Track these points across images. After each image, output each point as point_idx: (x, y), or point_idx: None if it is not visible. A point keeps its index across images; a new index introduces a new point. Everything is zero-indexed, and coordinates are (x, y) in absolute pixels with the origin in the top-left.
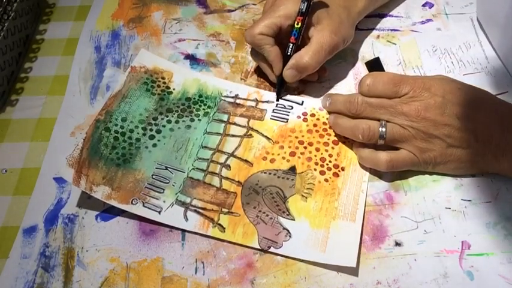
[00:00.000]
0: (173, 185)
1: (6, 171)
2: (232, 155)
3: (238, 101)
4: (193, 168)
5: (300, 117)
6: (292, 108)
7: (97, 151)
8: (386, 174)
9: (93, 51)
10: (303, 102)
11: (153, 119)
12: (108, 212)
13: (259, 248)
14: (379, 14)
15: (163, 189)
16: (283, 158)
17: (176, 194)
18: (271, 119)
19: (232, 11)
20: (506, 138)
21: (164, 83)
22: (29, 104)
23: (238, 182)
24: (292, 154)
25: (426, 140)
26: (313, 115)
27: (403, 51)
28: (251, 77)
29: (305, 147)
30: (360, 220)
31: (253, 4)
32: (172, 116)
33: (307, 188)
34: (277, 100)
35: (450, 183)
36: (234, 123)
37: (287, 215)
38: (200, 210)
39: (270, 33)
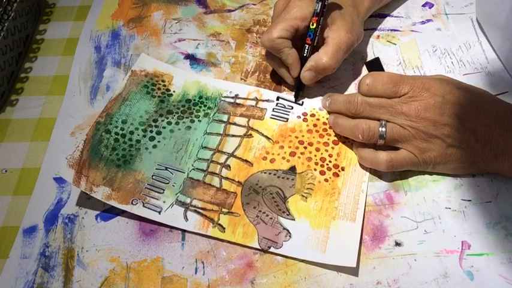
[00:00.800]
0: (173, 185)
1: (6, 171)
2: (232, 155)
3: (238, 100)
4: (193, 169)
5: (300, 117)
6: (292, 108)
7: (97, 152)
8: (386, 174)
9: (93, 51)
10: (303, 102)
11: (153, 121)
12: (108, 212)
13: (259, 248)
14: (379, 14)
15: (163, 190)
16: (283, 158)
17: (176, 194)
18: (271, 118)
19: (232, 11)
20: (506, 138)
21: (164, 85)
22: (29, 104)
23: (238, 182)
24: (292, 154)
25: (426, 140)
26: (313, 115)
27: (403, 51)
28: (251, 77)
29: (305, 147)
30: (360, 220)
31: (253, 4)
32: (173, 118)
33: (307, 188)
34: (296, 102)
35: (450, 183)
36: (234, 124)
37: (287, 215)
38: (200, 210)
39: (288, 36)
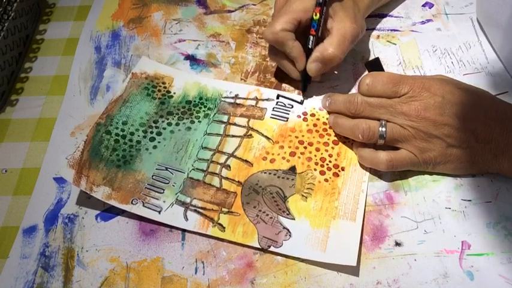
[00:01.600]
0: (173, 185)
1: (6, 171)
2: (232, 155)
3: (238, 100)
4: (193, 169)
5: (300, 117)
6: (292, 107)
7: (98, 153)
8: (386, 174)
9: (93, 52)
10: (303, 101)
11: (154, 122)
12: (108, 212)
13: (259, 247)
14: (379, 14)
15: (163, 190)
16: (283, 158)
17: (176, 194)
18: (271, 117)
19: (232, 11)
20: (506, 138)
21: (165, 87)
22: (29, 104)
23: (238, 182)
24: (292, 154)
25: (426, 140)
26: (313, 115)
27: (403, 51)
28: (251, 77)
29: (305, 147)
30: (360, 220)
31: (253, 4)
32: (173, 119)
33: (307, 188)
34: (303, 95)
35: (450, 183)
36: (234, 124)
37: (287, 214)
38: (200, 210)
39: (292, 28)
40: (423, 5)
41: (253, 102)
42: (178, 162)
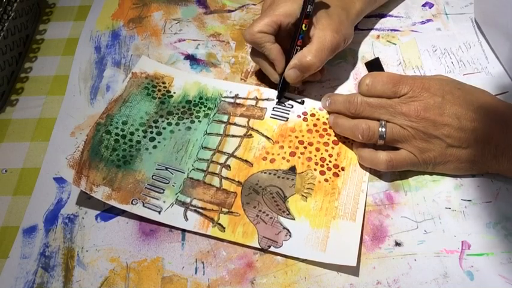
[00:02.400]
0: (173, 185)
1: (6, 171)
2: (232, 155)
3: (238, 100)
4: (193, 169)
5: (300, 117)
6: (292, 106)
7: (97, 153)
8: (386, 174)
9: (93, 52)
10: (303, 101)
11: (154, 122)
12: (108, 212)
13: (259, 247)
14: (379, 14)
15: (163, 190)
16: (283, 158)
17: (176, 194)
18: (271, 117)
19: (232, 11)
20: (506, 138)
21: (165, 87)
22: (29, 104)
23: (238, 182)
24: (292, 154)
25: (426, 140)
26: (313, 115)
27: (403, 51)
28: (251, 77)
29: (305, 147)
30: (360, 220)
31: (253, 4)
32: (173, 119)
33: (307, 188)
34: (279, 99)
35: (450, 183)
36: (234, 124)
37: (287, 214)
38: (200, 210)
39: (270, 31)
40: (423, 5)
41: (253, 102)
42: (178, 162)
